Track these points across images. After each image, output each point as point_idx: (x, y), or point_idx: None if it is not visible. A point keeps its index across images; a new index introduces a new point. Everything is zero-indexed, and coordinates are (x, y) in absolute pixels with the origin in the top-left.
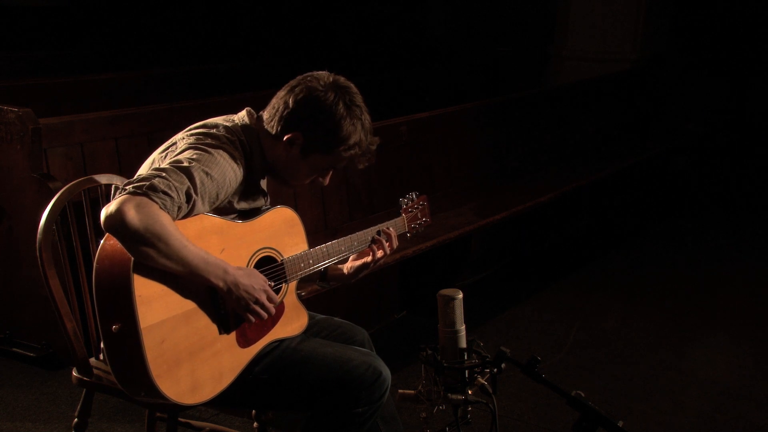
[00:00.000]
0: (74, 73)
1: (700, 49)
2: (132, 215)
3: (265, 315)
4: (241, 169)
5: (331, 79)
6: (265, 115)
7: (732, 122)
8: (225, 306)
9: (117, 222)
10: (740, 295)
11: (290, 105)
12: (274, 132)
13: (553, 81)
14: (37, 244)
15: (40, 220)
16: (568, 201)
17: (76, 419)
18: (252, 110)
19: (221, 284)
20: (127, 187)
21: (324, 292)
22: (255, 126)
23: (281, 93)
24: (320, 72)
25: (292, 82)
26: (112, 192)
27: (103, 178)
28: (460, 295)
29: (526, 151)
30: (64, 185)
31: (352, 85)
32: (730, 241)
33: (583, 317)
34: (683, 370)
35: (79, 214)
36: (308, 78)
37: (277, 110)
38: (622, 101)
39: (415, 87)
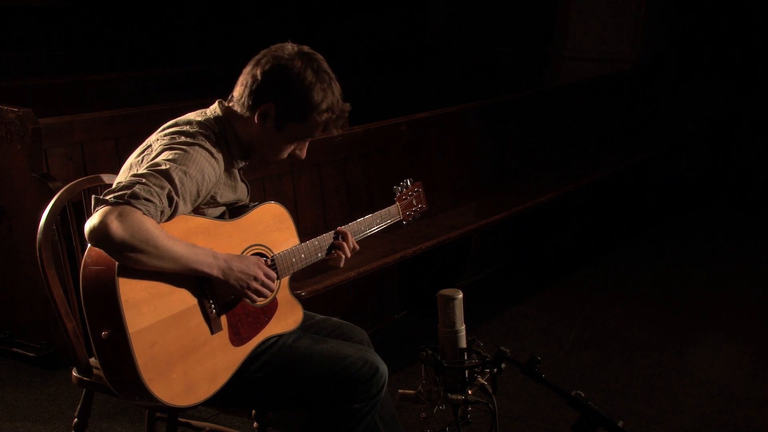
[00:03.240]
0: (74, 73)
1: (700, 49)
2: (116, 226)
3: (267, 292)
4: (219, 162)
5: (296, 48)
6: (235, 93)
7: (732, 122)
8: (215, 301)
9: (102, 235)
10: (740, 295)
11: (259, 77)
12: (246, 108)
13: (553, 81)
14: (37, 244)
15: (40, 220)
16: (568, 201)
17: (76, 419)
18: (222, 101)
19: (215, 271)
20: (107, 198)
21: (324, 292)
22: (226, 114)
23: (248, 68)
24: (284, 43)
25: (258, 56)
26: (92, 203)
27: (103, 178)
28: (460, 295)
29: (526, 151)
30: (64, 185)
31: (317, 53)
32: (730, 240)
33: (583, 317)
34: (683, 370)
35: (79, 214)
36: (273, 49)
37: (246, 85)
38: (622, 101)
39: (415, 87)
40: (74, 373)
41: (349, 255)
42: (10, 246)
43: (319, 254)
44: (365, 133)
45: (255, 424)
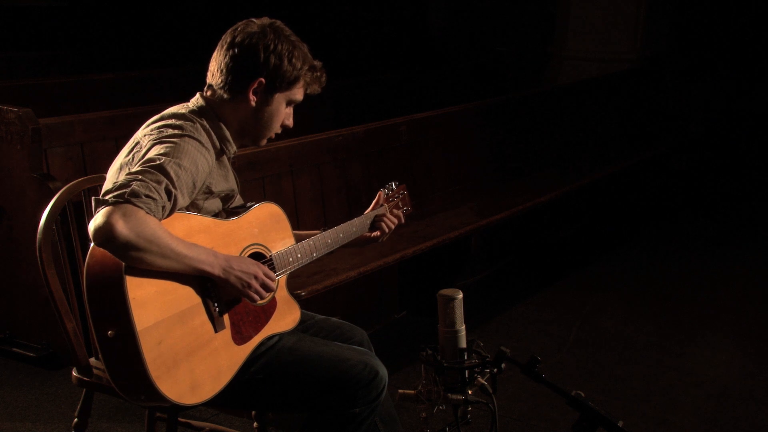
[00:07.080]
0: (74, 73)
1: (701, 49)
2: (121, 226)
3: (265, 293)
4: (210, 152)
5: (259, 21)
6: (214, 82)
7: (732, 122)
8: (219, 299)
9: (107, 235)
10: (740, 295)
11: (239, 57)
12: (233, 91)
13: (553, 81)
14: (37, 244)
15: (40, 220)
16: (568, 201)
17: (76, 419)
18: (201, 93)
19: (216, 270)
20: (107, 198)
21: (324, 292)
22: (209, 104)
23: (220, 54)
24: (246, 21)
25: (227, 39)
26: (93, 204)
27: (104, 178)
28: (460, 295)
29: (526, 151)
30: (64, 185)
31: (277, 20)
32: (731, 241)
33: (583, 317)
34: (683, 370)
35: (79, 214)
36: (240, 29)
37: (226, 70)
38: (623, 101)
39: (415, 87)
40: (74, 373)
41: (393, 226)
42: (10, 246)
43: (314, 254)
44: (365, 133)
45: (255, 425)
